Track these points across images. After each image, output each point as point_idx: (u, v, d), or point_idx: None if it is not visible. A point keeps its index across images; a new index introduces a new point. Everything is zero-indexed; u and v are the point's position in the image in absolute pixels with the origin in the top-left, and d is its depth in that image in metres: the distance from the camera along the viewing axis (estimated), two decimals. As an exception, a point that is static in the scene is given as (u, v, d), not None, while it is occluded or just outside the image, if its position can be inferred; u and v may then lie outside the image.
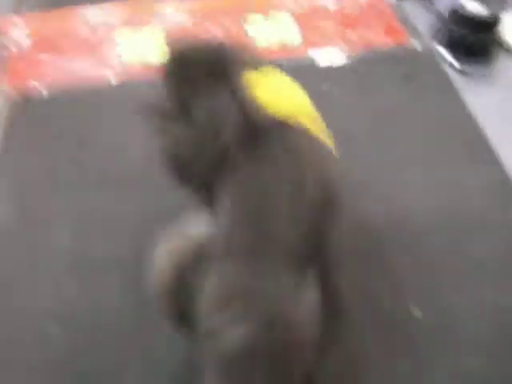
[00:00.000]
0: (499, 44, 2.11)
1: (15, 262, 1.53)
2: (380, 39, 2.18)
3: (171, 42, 1.15)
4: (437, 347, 1.34)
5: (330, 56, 2.11)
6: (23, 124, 1.93)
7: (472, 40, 2.05)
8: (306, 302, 1.00)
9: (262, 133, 1.02)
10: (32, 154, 1.83)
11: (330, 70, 2.06)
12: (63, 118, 1.91)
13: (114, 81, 2.03)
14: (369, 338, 1.32)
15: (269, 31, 2.19)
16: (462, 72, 2.04)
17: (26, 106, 1.97)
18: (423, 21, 2.23)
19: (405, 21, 2.26)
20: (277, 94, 1.09)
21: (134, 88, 1.90)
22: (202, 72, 1.05)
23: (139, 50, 2.13)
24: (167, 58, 1.11)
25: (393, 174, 1.70)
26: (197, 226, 1.12)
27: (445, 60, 2.09)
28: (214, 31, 2.15)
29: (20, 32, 2.19)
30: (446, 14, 2.08)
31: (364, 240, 1.49)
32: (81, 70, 2.06)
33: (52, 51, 2.12)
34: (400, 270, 1.48)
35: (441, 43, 2.12)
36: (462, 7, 2.01)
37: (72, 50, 2.13)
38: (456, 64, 2.06)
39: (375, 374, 1.28)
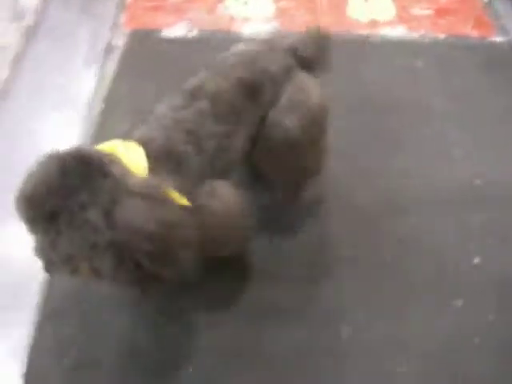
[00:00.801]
0: None
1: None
2: (467, 31, 2.35)
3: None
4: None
5: (419, 37, 2.29)
6: (138, 55, 2.18)
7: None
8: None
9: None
10: (144, 81, 2.07)
11: (418, 49, 2.23)
12: (176, 54, 2.14)
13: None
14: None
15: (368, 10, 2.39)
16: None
17: (142, 40, 2.22)
18: (512, 20, 2.38)
19: (494, 17, 2.41)
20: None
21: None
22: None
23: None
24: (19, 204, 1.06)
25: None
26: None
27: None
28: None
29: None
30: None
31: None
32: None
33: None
34: None
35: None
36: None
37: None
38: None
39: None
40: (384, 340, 1.44)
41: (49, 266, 1.08)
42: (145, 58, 2.17)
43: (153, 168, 1.15)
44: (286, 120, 1.37)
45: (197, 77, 1.36)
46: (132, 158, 1.13)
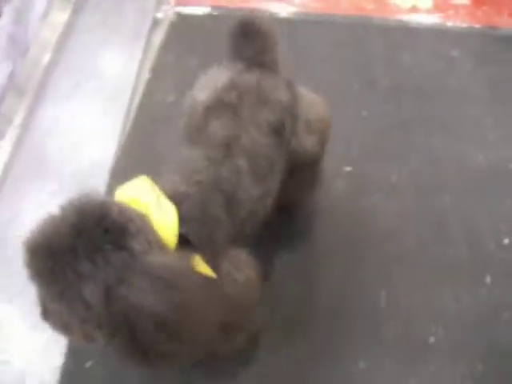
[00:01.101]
0: None
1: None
2: (503, 21, 2.39)
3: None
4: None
5: (455, 26, 2.35)
6: (183, 29, 2.25)
7: None
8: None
9: None
10: (189, 54, 2.14)
11: (454, 38, 2.29)
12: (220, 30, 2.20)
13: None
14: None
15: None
16: None
17: (188, 14, 2.30)
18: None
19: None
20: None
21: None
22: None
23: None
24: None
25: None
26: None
27: None
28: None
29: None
30: None
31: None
32: None
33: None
34: None
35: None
36: None
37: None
38: None
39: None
40: (419, 310, 1.51)
41: (45, 316, 1.01)
42: (190, 32, 2.24)
43: (184, 234, 1.05)
44: (307, 144, 1.37)
45: (223, 121, 1.23)
46: (164, 223, 1.01)
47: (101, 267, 0.90)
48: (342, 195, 1.75)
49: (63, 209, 0.95)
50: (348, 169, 1.81)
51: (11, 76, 2.04)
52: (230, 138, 1.20)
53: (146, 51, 2.19)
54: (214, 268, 1.07)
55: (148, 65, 2.14)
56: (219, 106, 1.25)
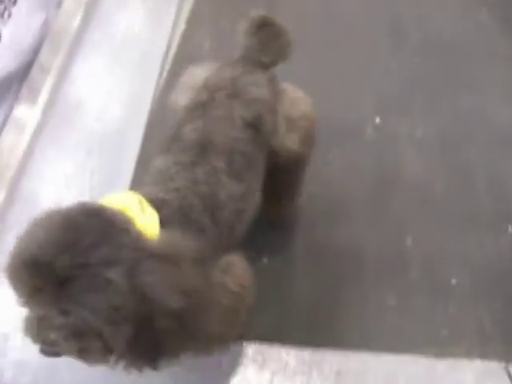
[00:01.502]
0: None
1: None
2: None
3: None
4: None
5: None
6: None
7: None
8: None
9: None
10: (224, 6, 2.19)
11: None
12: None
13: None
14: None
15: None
16: None
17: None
18: None
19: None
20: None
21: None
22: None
23: None
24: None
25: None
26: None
27: None
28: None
29: None
30: None
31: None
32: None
33: None
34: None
35: None
36: None
37: None
38: None
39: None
40: (443, 254, 1.59)
41: (48, 347, 0.91)
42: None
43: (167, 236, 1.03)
44: (289, 142, 1.32)
45: (194, 123, 1.21)
46: (146, 222, 1.01)
47: (120, 250, 0.89)
48: (370, 145, 1.82)
49: (45, 216, 0.93)
50: (377, 120, 1.87)
51: (45, 25, 2.08)
52: (203, 139, 1.17)
53: (180, 2, 2.23)
54: (204, 276, 1.04)
55: (184, 16, 2.19)
56: (194, 107, 1.24)
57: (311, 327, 1.48)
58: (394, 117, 1.88)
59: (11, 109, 1.89)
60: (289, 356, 1.43)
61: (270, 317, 1.47)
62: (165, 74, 2.02)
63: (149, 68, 2.04)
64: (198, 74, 1.34)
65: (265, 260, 1.57)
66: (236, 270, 1.17)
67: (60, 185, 1.79)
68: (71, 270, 0.85)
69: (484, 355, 1.45)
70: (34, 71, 1.97)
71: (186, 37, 2.11)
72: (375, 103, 1.91)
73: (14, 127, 1.87)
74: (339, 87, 1.92)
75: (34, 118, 1.90)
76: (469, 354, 1.45)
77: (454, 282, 1.55)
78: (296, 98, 1.36)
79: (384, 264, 1.57)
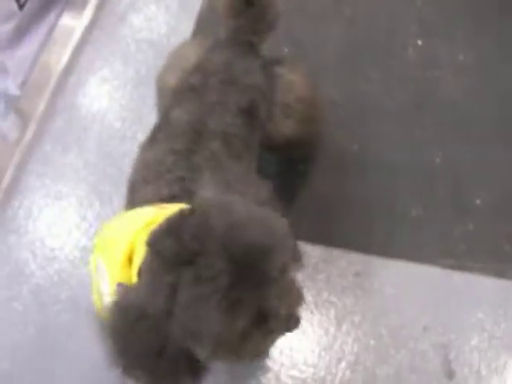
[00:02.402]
0: None
1: None
2: None
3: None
4: None
5: None
6: None
7: None
8: None
9: None
10: None
11: None
12: None
13: None
14: None
15: None
16: None
17: None
18: None
19: None
20: None
21: None
22: None
23: None
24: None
25: None
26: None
27: None
28: None
29: None
30: None
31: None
32: None
33: None
34: None
35: None
36: None
37: None
38: None
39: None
40: (471, 173, 1.62)
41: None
42: None
43: None
44: (285, 128, 1.30)
45: (187, 108, 1.17)
46: None
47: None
48: (410, 65, 1.82)
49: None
50: (419, 42, 1.86)
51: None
52: (196, 123, 1.13)
53: None
54: None
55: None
56: (185, 90, 1.20)
57: (333, 229, 1.54)
58: (436, 40, 1.87)
59: (58, 18, 1.92)
60: (311, 252, 1.49)
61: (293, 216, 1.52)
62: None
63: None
64: (188, 54, 1.30)
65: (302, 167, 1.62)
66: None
67: (103, 97, 1.83)
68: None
69: (500, 273, 1.49)
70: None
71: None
72: (418, 27, 1.89)
73: (60, 36, 1.92)
74: (383, 12, 1.91)
75: (80, 28, 1.94)
76: (484, 270, 1.50)
77: (478, 202, 1.58)
78: (292, 82, 1.32)
79: (412, 178, 1.62)
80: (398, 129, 1.69)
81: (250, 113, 1.20)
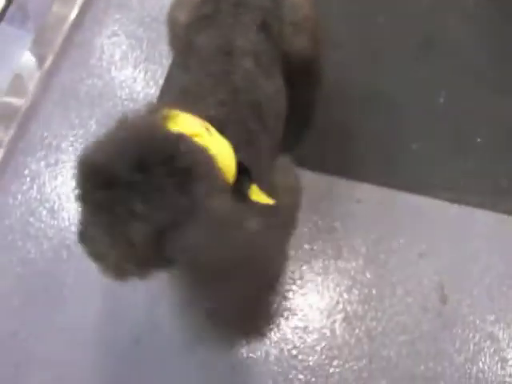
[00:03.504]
0: None
1: None
2: None
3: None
4: None
5: None
6: None
7: None
8: None
9: None
10: None
11: None
12: None
13: None
14: None
15: None
16: None
17: None
18: None
19: None
20: None
21: None
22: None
23: None
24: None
25: None
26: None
27: None
28: None
29: None
30: None
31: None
32: None
33: None
34: None
35: None
36: None
37: None
38: None
39: None
40: (474, 113, 1.68)
41: (82, 238, 0.93)
42: None
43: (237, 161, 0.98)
44: (298, 44, 1.31)
45: (208, 34, 1.19)
46: (223, 154, 0.95)
47: (157, 209, 0.84)
48: (418, 10, 1.85)
49: (126, 135, 0.88)
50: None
51: None
52: (224, 44, 1.15)
53: None
54: (269, 187, 1.05)
55: None
56: (198, 21, 1.22)
57: (336, 158, 1.62)
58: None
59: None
60: (316, 181, 1.57)
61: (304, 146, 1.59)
62: None
63: None
64: None
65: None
66: (288, 171, 1.22)
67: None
68: (104, 203, 0.85)
69: (495, 207, 1.56)
70: None
71: None
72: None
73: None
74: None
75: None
76: (482, 204, 1.57)
77: (479, 140, 1.65)
78: (297, 2, 1.34)
79: (414, 114, 1.68)
80: (403, 67, 1.75)
81: (266, 32, 1.22)
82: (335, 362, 1.43)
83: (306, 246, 1.54)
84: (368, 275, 1.51)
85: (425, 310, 1.47)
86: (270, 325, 1.48)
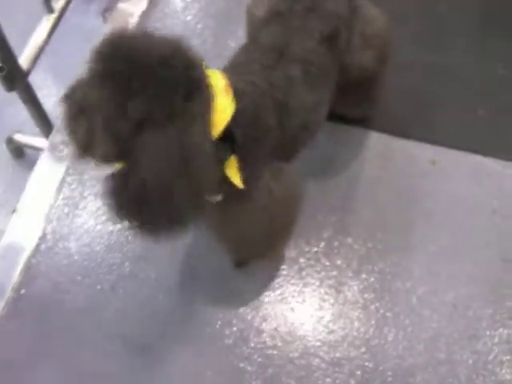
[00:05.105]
0: None
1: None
2: None
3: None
4: None
5: None
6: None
7: None
8: None
9: None
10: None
11: None
12: None
13: None
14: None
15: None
16: None
17: None
18: None
19: None
20: None
21: None
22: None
23: None
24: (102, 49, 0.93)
25: None
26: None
27: None
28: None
29: None
30: None
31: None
32: None
33: None
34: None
35: None
36: None
37: None
38: None
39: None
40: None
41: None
42: None
43: (232, 130, 1.03)
44: (363, 59, 1.32)
45: (273, 30, 1.23)
46: (222, 107, 0.99)
47: (151, 98, 0.88)
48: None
49: (164, 38, 0.94)
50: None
51: None
52: (281, 45, 1.18)
53: None
54: (252, 177, 1.09)
55: None
56: (270, 16, 1.25)
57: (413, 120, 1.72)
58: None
59: None
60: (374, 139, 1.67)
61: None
62: None
63: None
64: None
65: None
66: (284, 175, 1.21)
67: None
68: (108, 81, 0.89)
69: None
70: None
71: None
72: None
73: None
74: None
75: None
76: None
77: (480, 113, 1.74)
78: (372, 16, 1.34)
79: (475, 86, 1.79)
80: (462, 43, 1.86)
81: (331, 40, 1.23)
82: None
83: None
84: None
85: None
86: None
